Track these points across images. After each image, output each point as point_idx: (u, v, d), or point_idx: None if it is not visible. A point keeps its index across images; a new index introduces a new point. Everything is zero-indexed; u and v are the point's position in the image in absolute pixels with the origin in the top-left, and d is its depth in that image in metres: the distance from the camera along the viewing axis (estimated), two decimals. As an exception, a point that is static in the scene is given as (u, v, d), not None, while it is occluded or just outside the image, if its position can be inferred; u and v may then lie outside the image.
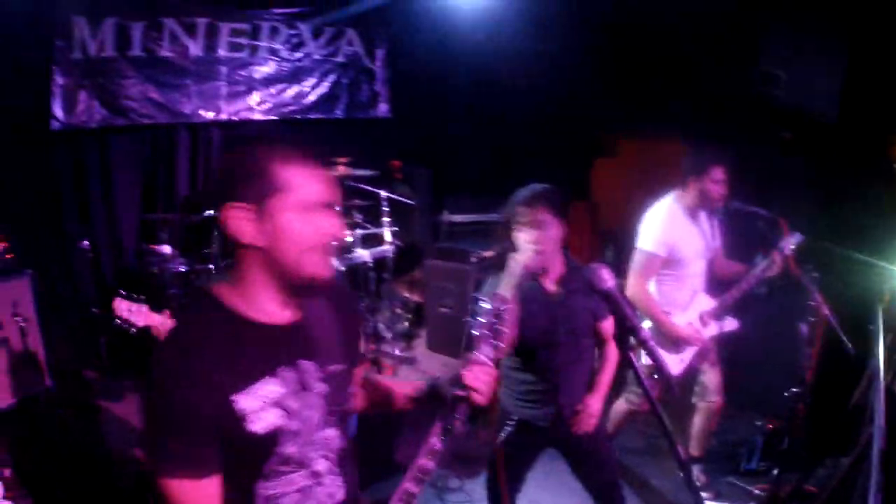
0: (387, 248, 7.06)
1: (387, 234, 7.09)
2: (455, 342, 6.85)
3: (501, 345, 2.33)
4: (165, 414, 1.83)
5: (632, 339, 2.33)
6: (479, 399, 2.22)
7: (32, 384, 5.47)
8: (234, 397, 1.87)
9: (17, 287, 5.65)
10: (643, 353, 2.40)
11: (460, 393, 2.22)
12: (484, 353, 2.29)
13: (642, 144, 8.17)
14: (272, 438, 1.94)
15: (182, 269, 6.75)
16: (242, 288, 1.99)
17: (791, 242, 4.75)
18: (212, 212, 6.59)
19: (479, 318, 2.38)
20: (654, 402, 2.25)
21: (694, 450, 5.35)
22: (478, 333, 2.34)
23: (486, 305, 2.39)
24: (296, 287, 2.01)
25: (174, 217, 7.32)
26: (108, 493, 4.92)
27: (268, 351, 1.97)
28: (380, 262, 7.31)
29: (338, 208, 2.01)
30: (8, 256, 5.72)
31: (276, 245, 1.92)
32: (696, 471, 5.39)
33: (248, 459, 1.94)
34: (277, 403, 1.95)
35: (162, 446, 1.84)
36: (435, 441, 2.20)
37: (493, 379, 2.26)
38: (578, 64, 8.09)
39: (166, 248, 6.83)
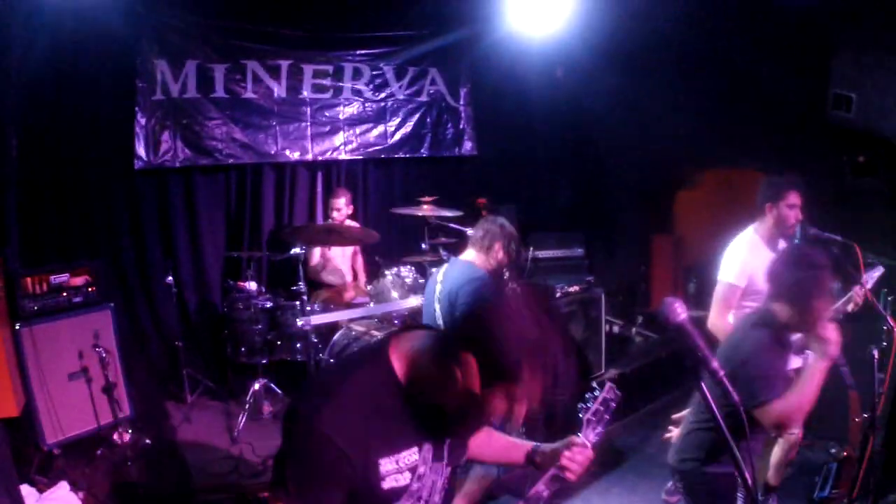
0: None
1: (473, 272, 7.06)
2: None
3: (603, 430, 2.50)
4: (319, 467, 1.95)
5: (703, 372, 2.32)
6: (571, 478, 2.43)
7: (112, 413, 5.58)
8: (380, 460, 2.01)
9: (99, 319, 5.82)
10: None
11: (556, 470, 2.43)
12: (586, 437, 2.47)
13: (723, 175, 8.05)
14: (395, 496, 2.09)
15: (268, 305, 6.87)
16: (422, 380, 2.03)
17: (873, 276, 4.68)
18: (298, 249, 6.68)
19: (589, 403, 2.53)
20: (727, 433, 2.25)
21: (772, 479, 5.22)
22: (585, 417, 2.50)
23: (597, 392, 2.54)
24: None
25: (260, 254, 7.46)
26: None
27: (417, 424, 2.08)
28: (466, 299, 7.27)
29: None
30: (90, 290, 5.88)
31: (463, 406, 1.96)
32: (772, 500, 5.26)
33: None
34: (412, 469, 2.10)
35: (303, 488, 1.99)
36: (542, 489, 2.43)
37: (590, 461, 2.44)
38: (656, 96, 8.01)
39: (252, 285, 6.95)
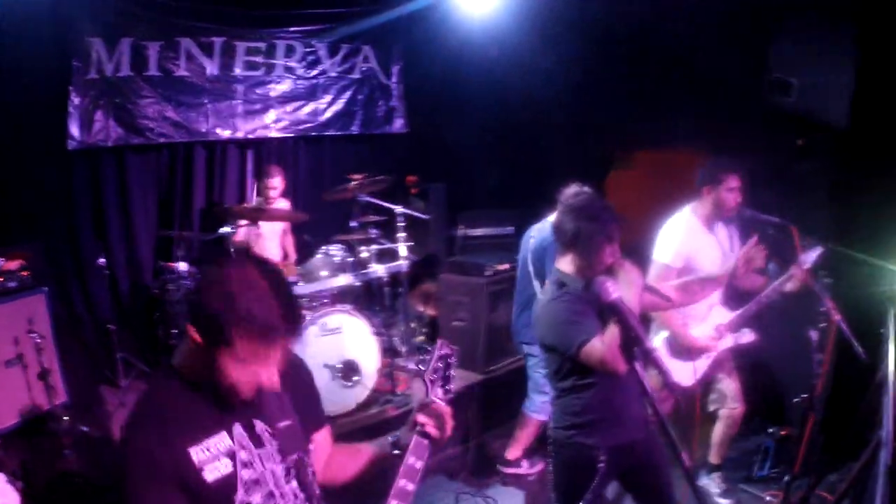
0: (402, 263, 7.06)
1: (402, 249, 7.08)
2: (470, 356, 6.83)
3: (451, 387, 2.48)
4: (134, 469, 2.02)
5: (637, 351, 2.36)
6: (434, 433, 2.38)
7: (47, 399, 5.50)
8: (189, 449, 2.06)
9: (33, 304, 5.70)
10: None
11: (417, 434, 2.38)
12: (435, 395, 2.44)
13: (656, 156, 8.14)
14: (228, 486, 2.11)
15: (198, 285, 6.79)
16: (191, 367, 2.13)
17: (811, 256, 4.72)
18: (229, 228, 6.65)
19: (426, 364, 2.51)
20: (660, 412, 2.27)
21: (714, 457, 5.39)
22: (427, 378, 2.47)
23: (432, 350, 2.53)
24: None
25: (190, 234, 7.38)
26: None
27: (219, 411, 2.16)
28: (395, 276, 7.31)
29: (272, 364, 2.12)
30: (24, 274, 5.76)
31: (213, 377, 2.06)
32: (716, 478, 5.40)
33: None
34: (228, 455, 2.14)
35: (137, 498, 2.01)
36: (414, 460, 2.35)
37: (447, 416, 2.40)
38: (590, 77, 8.08)
39: (182, 265, 6.88)
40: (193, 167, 7.96)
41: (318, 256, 6.91)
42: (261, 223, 7.07)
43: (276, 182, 7.45)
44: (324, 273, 6.72)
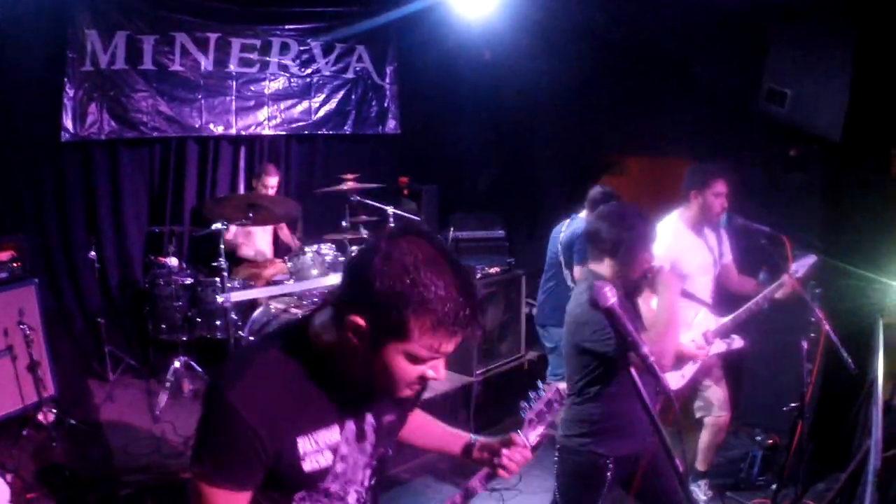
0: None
1: (393, 251, 7.07)
2: (462, 358, 6.83)
3: (545, 432, 2.46)
4: (230, 441, 1.85)
5: (632, 356, 2.36)
6: (506, 476, 2.41)
7: (36, 392, 5.48)
8: (298, 439, 1.93)
9: (23, 295, 5.68)
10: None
11: (492, 467, 2.42)
12: (526, 436, 2.42)
13: (649, 162, 8.17)
14: (319, 476, 2.02)
15: (188, 281, 6.80)
16: (334, 352, 1.93)
17: (802, 266, 4.73)
18: (219, 225, 6.63)
19: (532, 403, 2.49)
20: (654, 417, 2.27)
21: (700, 464, 5.38)
22: (528, 416, 2.45)
23: (542, 392, 2.51)
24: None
25: (181, 229, 7.37)
26: (109, 502, 4.92)
27: (338, 402, 2.01)
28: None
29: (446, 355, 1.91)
30: (15, 265, 5.75)
31: (370, 370, 1.88)
32: (703, 485, 5.41)
33: (290, 489, 2.02)
34: (332, 449, 2.02)
35: (216, 461, 1.87)
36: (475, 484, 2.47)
37: (526, 462, 2.39)
38: (584, 82, 8.10)
39: (173, 261, 6.87)
40: (185, 163, 7.94)
41: (309, 255, 6.90)
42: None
43: (273, 181, 7.45)
44: (314, 272, 6.73)
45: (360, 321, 1.79)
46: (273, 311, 6.29)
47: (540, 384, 2.57)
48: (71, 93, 6.81)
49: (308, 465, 1.96)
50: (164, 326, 6.77)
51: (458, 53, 9.09)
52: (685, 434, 5.11)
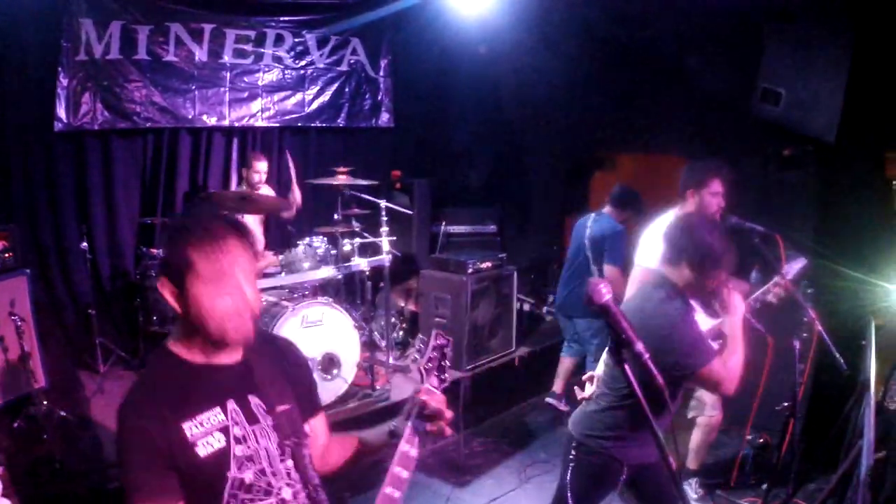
0: (384, 258, 7.04)
1: (384, 244, 7.06)
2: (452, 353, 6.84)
3: (446, 376, 2.46)
4: (128, 446, 2.01)
5: (626, 353, 2.35)
6: (431, 428, 2.34)
7: (27, 383, 5.45)
8: (182, 424, 2.05)
9: (15, 285, 5.63)
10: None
11: (416, 416, 2.34)
12: (430, 384, 2.42)
13: (642, 159, 8.19)
14: (220, 462, 2.10)
15: (178, 273, 6.77)
16: (186, 340, 2.18)
17: (795, 267, 4.68)
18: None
19: (422, 354, 2.49)
20: (649, 415, 2.26)
21: (691, 463, 5.39)
22: (422, 367, 2.45)
23: (430, 341, 2.50)
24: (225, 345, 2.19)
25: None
26: (99, 495, 4.91)
27: (212, 386, 2.17)
28: (377, 271, 7.28)
29: (250, 280, 2.16)
30: (6, 255, 5.71)
31: (196, 317, 2.09)
32: (694, 484, 5.43)
33: (205, 484, 2.08)
34: (222, 430, 2.12)
35: (132, 478, 2.00)
36: (408, 448, 2.31)
37: (444, 404, 2.36)
38: (579, 79, 8.13)
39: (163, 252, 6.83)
40: (178, 154, 7.90)
41: (300, 248, 6.88)
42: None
43: (263, 167, 7.42)
44: (306, 264, 6.71)
45: (166, 282, 2.10)
46: (264, 303, 6.27)
47: (420, 335, 2.57)
48: (65, 82, 6.76)
49: (202, 450, 2.06)
50: (155, 318, 6.78)
51: (452, 48, 9.11)
52: (678, 433, 5.12)
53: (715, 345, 4.88)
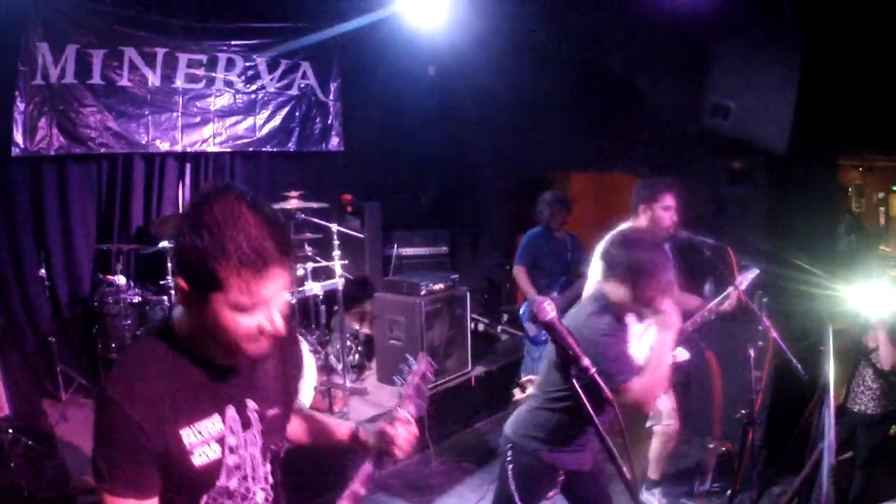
0: (337, 281, 7.06)
1: (337, 268, 7.08)
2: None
3: (424, 404, 2.47)
4: (113, 434, 1.88)
5: (573, 369, 2.43)
6: (399, 455, 2.38)
7: (-9, 411, 5.40)
8: (181, 431, 1.95)
9: (-24, 312, 5.58)
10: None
11: (385, 446, 2.37)
12: (408, 411, 2.42)
13: (594, 177, 8.32)
14: (212, 472, 2.03)
15: (136, 299, 6.76)
16: (191, 332, 2.00)
17: (747, 277, 4.84)
18: (166, 243, 6.61)
19: (406, 377, 2.51)
20: (600, 428, 2.33)
21: (653, 473, 5.48)
22: (405, 391, 2.46)
23: (413, 366, 2.53)
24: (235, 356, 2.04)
25: (129, 247, 7.29)
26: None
27: (215, 390, 2.05)
28: (330, 294, 7.32)
29: (282, 303, 1.97)
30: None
31: (213, 328, 1.92)
32: (657, 494, 5.52)
33: (189, 490, 2.02)
34: (219, 440, 2.04)
35: (110, 466, 1.89)
36: (358, 487, 2.34)
37: (415, 437, 2.39)
38: (530, 98, 8.22)
39: (120, 279, 6.81)
40: (132, 180, 7.83)
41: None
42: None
43: None
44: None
45: (181, 282, 1.88)
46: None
47: (408, 357, 2.60)
48: (21, 107, 6.70)
49: (198, 460, 1.98)
50: (113, 345, 6.73)
51: (402, 70, 9.21)
52: (635, 444, 5.23)
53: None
